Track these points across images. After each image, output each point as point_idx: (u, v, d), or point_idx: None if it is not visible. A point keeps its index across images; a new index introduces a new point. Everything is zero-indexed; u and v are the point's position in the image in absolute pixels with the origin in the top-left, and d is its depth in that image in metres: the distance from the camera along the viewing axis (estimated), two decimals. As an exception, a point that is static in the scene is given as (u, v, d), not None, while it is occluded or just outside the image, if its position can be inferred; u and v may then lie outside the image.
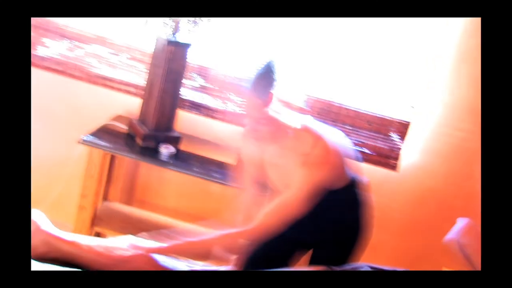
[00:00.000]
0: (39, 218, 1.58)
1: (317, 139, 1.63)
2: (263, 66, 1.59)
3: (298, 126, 1.66)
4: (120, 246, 1.58)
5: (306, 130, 1.66)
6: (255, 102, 1.57)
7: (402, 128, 2.52)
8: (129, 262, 1.54)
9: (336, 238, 1.80)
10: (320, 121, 1.82)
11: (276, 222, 1.62)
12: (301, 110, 1.67)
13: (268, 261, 1.75)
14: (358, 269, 1.33)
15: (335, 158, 1.65)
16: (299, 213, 1.62)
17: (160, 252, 1.60)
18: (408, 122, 2.51)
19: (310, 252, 1.89)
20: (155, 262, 1.57)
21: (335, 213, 1.77)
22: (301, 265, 1.94)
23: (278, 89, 1.58)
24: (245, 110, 1.61)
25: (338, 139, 1.70)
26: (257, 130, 1.63)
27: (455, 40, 2.39)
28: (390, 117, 2.53)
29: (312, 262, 1.83)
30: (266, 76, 1.57)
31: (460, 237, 1.54)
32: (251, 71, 1.60)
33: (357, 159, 1.78)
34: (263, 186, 1.84)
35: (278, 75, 1.57)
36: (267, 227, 1.63)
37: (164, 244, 1.61)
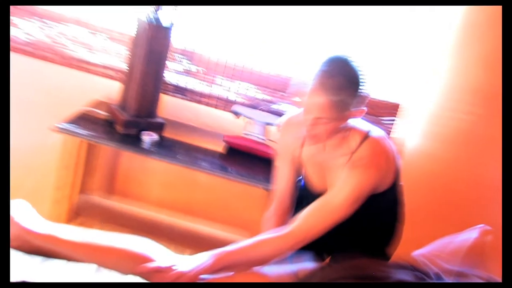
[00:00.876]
0: (14, 208, 1.48)
1: (368, 141, 1.50)
2: (346, 64, 1.40)
3: (351, 126, 1.52)
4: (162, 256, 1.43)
5: (355, 130, 1.52)
6: (338, 102, 1.37)
7: (396, 111, 2.42)
8: (160, 274, 1.36)
9: (367, 244, 1.66)
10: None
11: (317, 225, 1.46)
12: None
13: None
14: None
15: (384, 161, 1.51)
16: (342, 217, 1.46)
17: (206, 270, 1.39)
18: (405, 105, 2.41)
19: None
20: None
21: (372, 218, 1.63)
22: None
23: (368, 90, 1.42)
24: (317, 111, 1.40)
25: (386, 140, 1.56)
26: (323, 131, 1.44)
27: (458, 18, 2.26)
28: (386, 100, 2.42)
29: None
30: (354, 76, 1.39)
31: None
32: (317, 68, 1.40)
33: (398, 160, 1.60)
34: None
35: (366, 75, 1.41)
36: (307, 230, 1.45)
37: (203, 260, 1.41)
